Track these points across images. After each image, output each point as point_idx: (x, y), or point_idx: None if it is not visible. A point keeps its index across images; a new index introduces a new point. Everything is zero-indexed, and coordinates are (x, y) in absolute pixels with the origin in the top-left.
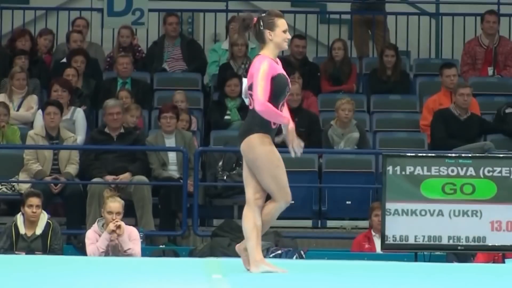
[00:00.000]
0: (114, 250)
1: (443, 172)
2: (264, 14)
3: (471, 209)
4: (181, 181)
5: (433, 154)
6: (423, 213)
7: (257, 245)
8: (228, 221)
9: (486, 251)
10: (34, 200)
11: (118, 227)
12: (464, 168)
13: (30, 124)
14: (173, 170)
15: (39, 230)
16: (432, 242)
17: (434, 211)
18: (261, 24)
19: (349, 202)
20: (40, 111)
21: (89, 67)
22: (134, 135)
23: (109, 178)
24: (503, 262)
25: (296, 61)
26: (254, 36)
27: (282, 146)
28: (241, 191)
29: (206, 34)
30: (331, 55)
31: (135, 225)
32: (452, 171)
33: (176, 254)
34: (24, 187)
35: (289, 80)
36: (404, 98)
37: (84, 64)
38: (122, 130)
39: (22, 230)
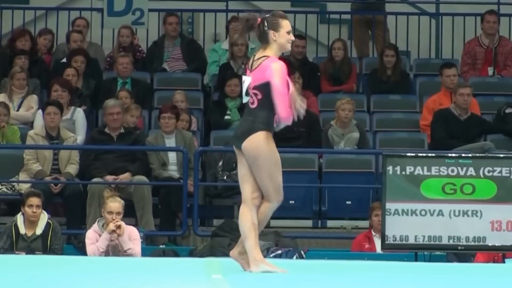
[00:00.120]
0: (114, 250)
1: (443, 172)
2: (268, 15)
3: (471, 209)
4: (181, 181)
5: (433, 154)
6: (423, 213)
7: (256, 244)
8: (228, 221)
9: (486, 251)
10: (34, 200)
11: (118, 227)
12: (464, 168)
13: (30, 124)
14: (173, 170)
15: (39, 230)
16: (432, 242)
17: (434, 211)
18: (266, 24)
19: (349, 202)
20: (40, 111)
21: (89, 67)
22: (134, 135)
23: (109, 178)
24: (503, 262)
25: (296, 61)
26: (257, 36)
27: (282, 146)
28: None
29: (206, 34)
30: (331, 55)
31: (135, 225)
32: (452, 171)
33: (176, 254)
34: (24, 187)
35: (289, 82)
36: (404, 98)
37: (84, 64)
38: (122, 130)
39: (22, 230)
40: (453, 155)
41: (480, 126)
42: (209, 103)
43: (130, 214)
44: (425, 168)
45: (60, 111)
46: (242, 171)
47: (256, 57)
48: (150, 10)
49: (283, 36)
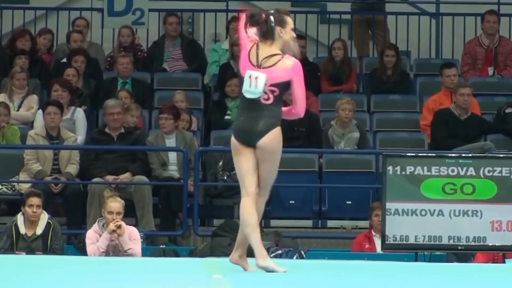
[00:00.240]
0: (115, 250)
1: (443, 172)
2: (272, 11)
3: (471, 209)
4: (182, 181)
5: (433, 154)
6: (423, 213)
7: (260, 240)
8: (228, 221)
9: (486, 251)
10: (35, 200)
11: (119, 227)
12: (464, 168)
13: (30, 124)
14: (173, 170)
15: (39, 230)
16: (432, 242)
17: (434, 211)
18: (272, 20)
19: (350, 202)
20: (40, 111)
21: (89, 67)
22: (134, 135)
23: (110, 178)
24: (503, 262)
25: None
26: (261, 32)
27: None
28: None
29: (206, 34)
30: (331, 55)
31: (136, 225)
32: (452, 171)
33: (176, 254)
34: (25, 187)
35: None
36: (404, 98)
37: (84, 64)
38: (122, 130)
39: (23, 230)
40: (453, 155)
41: (480, 126)
42: (209, 103)
43: (130, 214)
44: (425, 168)
45: (60, 111)
46: (249, 165)
47: (265, 54)
48: (150, 10)
49: (288, 32)
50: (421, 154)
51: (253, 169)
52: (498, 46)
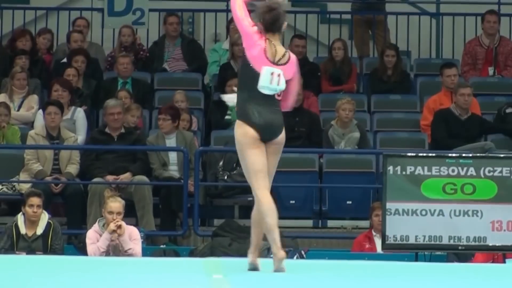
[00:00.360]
0: (115, 250)
1: (444, 172)
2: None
3: (472, 209)
4: (182, 181)
5: (433, 154)
6: (423, 213)
7: None
8: (228, 221)
9: (486, 251)
10: (35, 200)
11: (119, 227)
12: (465, 168)
13: (30, 124)
14: (173, 170)
15: (39, 230)
16: (432, 242)
17: (434, 211)
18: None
19: (350, 202)
20: (40, 111)
21: (90, 67)
22: (134, 135)
23: (110, 178)
24: (504, 262)
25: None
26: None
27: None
28: (241, 191)
29: (206, 34)
30: (332, 55)
31: (136, 225)
32: (453, 171)
33: (176, 254)
34: (25, 187)
35: None
36: (404, 98)
37: (84, 64)
38: (122, 130)
39: (23, 230)
40: (454, 155)
41: (481, 126)
42: (209, 103)
43: (130, 214)
44: (426, 168)
45: (60, 111)
46: (264, 160)
47: (280, 51)
48: (150, 10)
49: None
50: (421, 154)
51: (266, 164)
52: (498, 46)
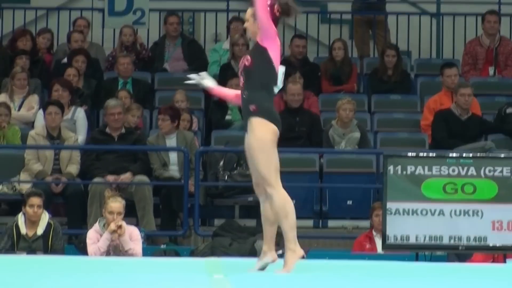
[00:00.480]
0: (115, 250)
1: (444, 172)
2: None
3: (472, 209)
4: (182, 181)
5: (434, 154)
6: (424, 213)
7: None
8: (229, 221)
9: (487, 251)
10: (35, 200)
11: (119, 227)
12: (465, 168)
13: (31, 124)
14: (174, 170)
15: (40, 230)
16: (433, 242)
17: (435, 211)
18: None
19: (350, 202)
20: (41, 111)
21: (90, 67)
22: (135, 135)
23: (110, 178)
24: (504, 262)
25: (296, 61)
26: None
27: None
28: (242, 191)
29: (207, 34)
30: (332, 55)
31: (136, 225)
32: (453, 171)
33: (177, 254)
34: (25, 187)
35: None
36: (405, 98)
37: (85, 64)
38: (123, 130)
39: (23, 230)
40: (454, 155)
41: (481, 126)
42: (210, 103)
43: (131, 214)
44: (426, 168)
45: (61, 111)
46: None
47: None
48: (151, 10)
49: None
50: (422, 154)
51: None
52: (498, 46)
